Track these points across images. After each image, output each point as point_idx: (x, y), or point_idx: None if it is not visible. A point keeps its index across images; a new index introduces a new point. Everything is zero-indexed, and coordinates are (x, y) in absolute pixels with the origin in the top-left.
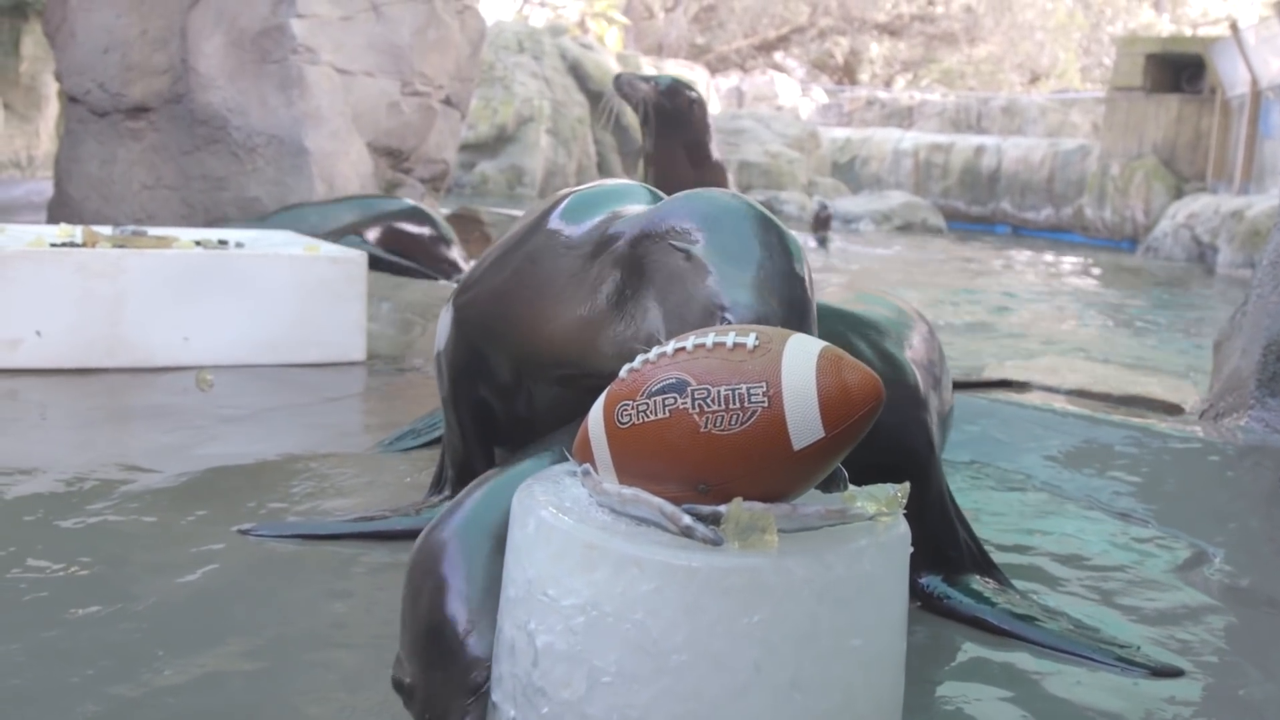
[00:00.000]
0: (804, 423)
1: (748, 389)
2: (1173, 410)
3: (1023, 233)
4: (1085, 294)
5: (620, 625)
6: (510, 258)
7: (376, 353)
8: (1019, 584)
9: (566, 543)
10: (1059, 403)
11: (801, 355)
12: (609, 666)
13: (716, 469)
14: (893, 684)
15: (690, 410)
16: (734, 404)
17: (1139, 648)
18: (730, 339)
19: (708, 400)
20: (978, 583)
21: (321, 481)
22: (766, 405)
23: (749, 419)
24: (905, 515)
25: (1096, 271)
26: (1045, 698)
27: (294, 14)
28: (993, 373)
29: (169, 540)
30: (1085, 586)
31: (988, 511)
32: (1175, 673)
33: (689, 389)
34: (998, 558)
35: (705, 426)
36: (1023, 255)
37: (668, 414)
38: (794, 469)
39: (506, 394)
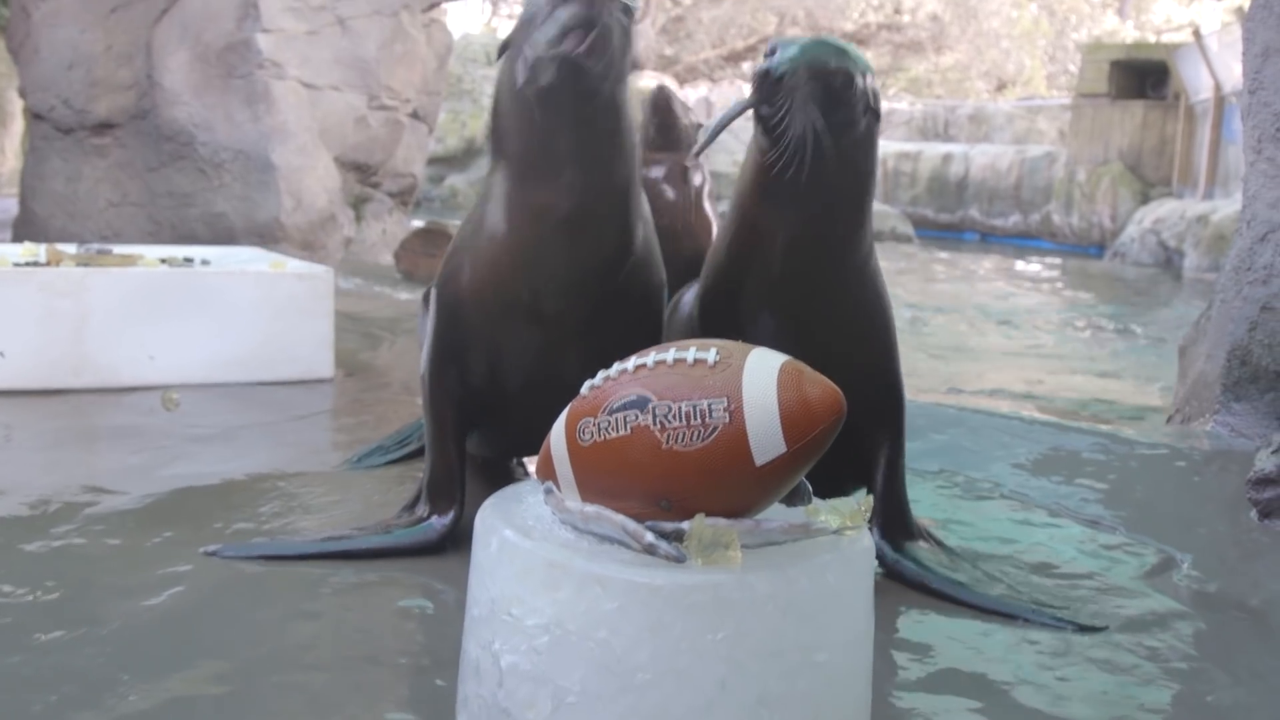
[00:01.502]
0: (766, 438)
1: (709, 404)
2: (1140, 416)
3: (991, 239)
4: (1053, 300)
5: (584, 644)
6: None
7: (344, 369)
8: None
9: (529, 562)
10: (1026, 410)
11: (762, 370)
12: (574, 686)
13: (679, 485)
14: (860, 697)
15: (652, 427)
16: (695, 420)
17: (1069, 609)
18: (691, 354)
19: (669, 416)
20: (922, 549)
21: (289, 501)
22: (728, 421)
23: (710, 435)
24: (880, 487)
25: (1064, 277)
26: (1016, 707)
27: (259, 29)
28: (962, 384)
29: (134, 562)
30: (1054, 594)
31: (956, 520)
32: (1100, 629)
33: (650, 405)
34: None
35: (667, 443)
36: (991, 262)
37: (629, 431)
38: (756, 484)
39: (490, 376)
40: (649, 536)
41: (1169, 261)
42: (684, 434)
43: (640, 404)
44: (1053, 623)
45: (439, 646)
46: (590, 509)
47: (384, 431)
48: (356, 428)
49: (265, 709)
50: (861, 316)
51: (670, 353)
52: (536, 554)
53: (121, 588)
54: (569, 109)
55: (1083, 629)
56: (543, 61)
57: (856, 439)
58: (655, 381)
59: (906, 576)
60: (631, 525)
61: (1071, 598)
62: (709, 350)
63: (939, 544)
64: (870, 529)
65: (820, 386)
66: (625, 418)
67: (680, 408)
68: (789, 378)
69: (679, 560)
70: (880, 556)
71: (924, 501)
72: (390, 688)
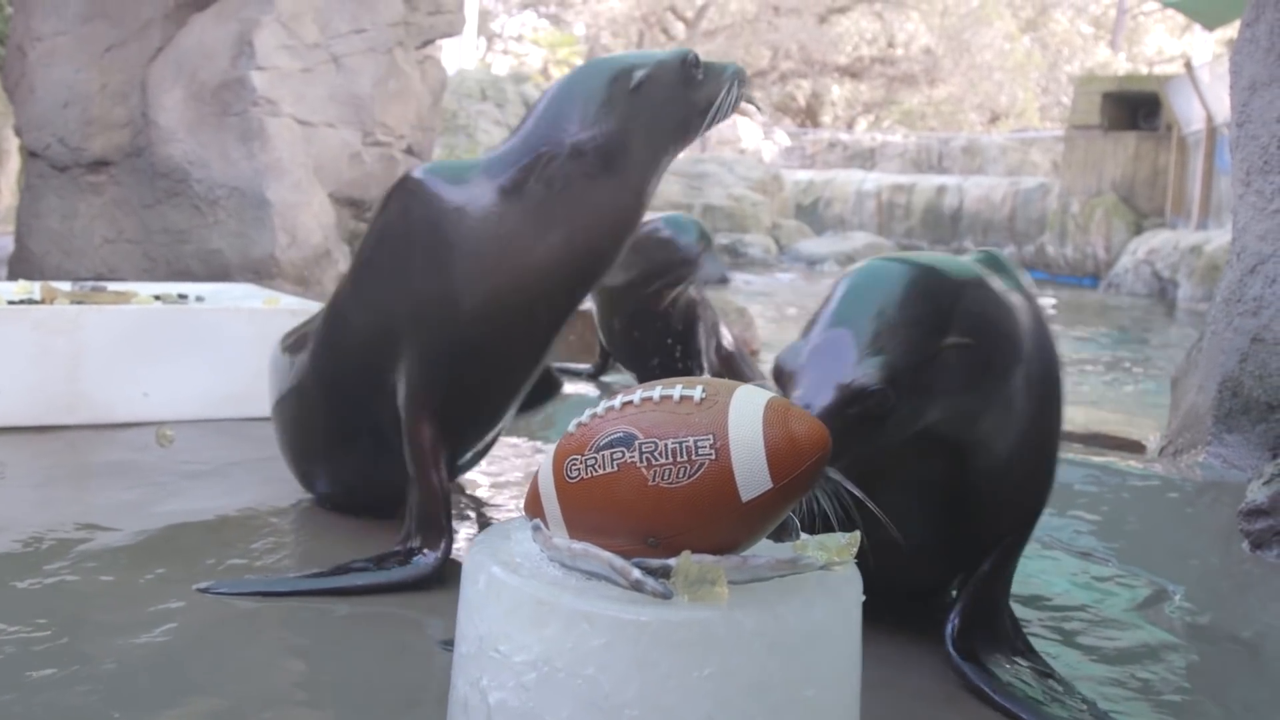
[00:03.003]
0: (751, 474)
1: (695, 441)
2: (1132, 447)
3: None
4: None
5: (572, 681)
6: None
7: None
8: None
9: (517, 599)
10: None
11: (748, 407)
12: None
13: (665, 522)
14: None
15: (638, 464)
16: (681, 457)
17: None
18: (677, 392)
19: (655, 453)
20: (1015, 666)
21: (282, 537)
22: (714, 457)
23: (696, 472)
24: (981, 576)
25: (1059, 308)
26: None
27: (254, 66)
28: None
29: (127, 600)
30: (1047, 627)
31: None
32: None
33: (636, 443)
34: None
35: (653, 480)
36: None
37: (616, 468)
38: (743, 521)
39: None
40: (636, 573)
41: (1163, 292)
42: (670, 471)
43: (626, 441)
44: None
45: (429, 683)
46: (578, 546)
47: None
48: None
49: None
50: (1027, 422)
51: (656, 390)
52: (524, 591)
53: (114, 625)
54: None
55: None
56: None
57: (988, 526)
58: (641, 419)
59: (969, 677)
60: (619, 562)
61: (1065, 631)
62: (695, 388)
63: (1032, 654)
64: (951, 617)
65: (806, 423)
66: (612, 455)
67: (666, 445)
68: (775, 414)
69: (666, 597)
70: (950, 648)
71: None
72: None
